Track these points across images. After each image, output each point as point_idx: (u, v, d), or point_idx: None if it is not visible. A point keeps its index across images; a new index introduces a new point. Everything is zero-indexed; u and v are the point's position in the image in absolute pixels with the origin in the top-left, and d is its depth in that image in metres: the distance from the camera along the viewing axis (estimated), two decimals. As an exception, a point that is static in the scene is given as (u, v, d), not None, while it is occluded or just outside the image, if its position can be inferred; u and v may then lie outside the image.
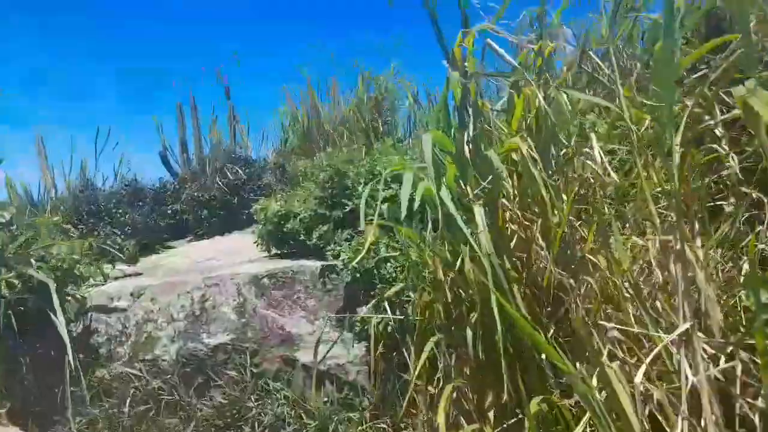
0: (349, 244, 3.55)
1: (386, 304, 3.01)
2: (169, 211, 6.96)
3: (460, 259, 2.00)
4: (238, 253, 5.02)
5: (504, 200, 2.10)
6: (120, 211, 6.32)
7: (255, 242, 4.47)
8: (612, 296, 1.78)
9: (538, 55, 2.37)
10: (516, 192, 2.10)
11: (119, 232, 6.08)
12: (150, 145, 10.35)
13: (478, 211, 1.86)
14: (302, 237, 3.94)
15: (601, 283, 1.78)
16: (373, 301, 3.18)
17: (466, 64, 2.47)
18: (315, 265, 3.68)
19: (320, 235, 3.72)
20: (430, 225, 2.57)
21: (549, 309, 1.96)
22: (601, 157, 1.88)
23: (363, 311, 3.24)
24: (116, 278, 4.63)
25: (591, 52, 2.44)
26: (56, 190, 8.01)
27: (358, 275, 3.30)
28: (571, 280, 1.86)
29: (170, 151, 8.79)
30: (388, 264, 3.18)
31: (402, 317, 2.89)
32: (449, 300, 2.12)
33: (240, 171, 7.13)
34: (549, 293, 1.94)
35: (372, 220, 3.64)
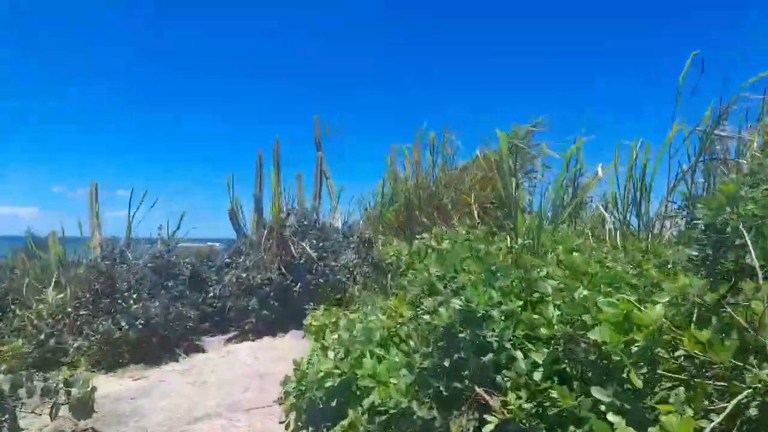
0: None
1: None
2: (210, 295, 5.04)
3: None
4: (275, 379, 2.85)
5: None
6: (135, 295, 4.46)
7: (282, 422, 2.24)
8: None
9: None
10: None
11: (125, 325, 4.19)
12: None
13: None
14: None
15: None
16: None
17: None
18: None
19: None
20: None
21: None
22: None
23: None
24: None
25: None
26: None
27: None
28: None
29: (240, 211, 7.09)
30: None
31: None
32: None
33: (306, 247, 5.08)
34: None
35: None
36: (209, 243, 7.83)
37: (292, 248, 5.06)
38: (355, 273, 5.13)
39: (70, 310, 4.48)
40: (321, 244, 5.34)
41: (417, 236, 3.83)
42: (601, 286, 1.57)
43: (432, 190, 6.30)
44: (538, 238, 2.84)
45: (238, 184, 7.32)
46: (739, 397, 1.11)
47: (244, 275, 4.91)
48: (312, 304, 4.90)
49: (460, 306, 1.64)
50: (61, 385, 2.63)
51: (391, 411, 1.62)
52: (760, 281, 1.25)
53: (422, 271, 2.20)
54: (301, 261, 5.01)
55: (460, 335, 1.57)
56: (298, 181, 7.62)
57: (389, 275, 3.83)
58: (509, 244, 2.77)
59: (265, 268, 5.10)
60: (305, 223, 5.57)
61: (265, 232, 5.45)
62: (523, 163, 6.63)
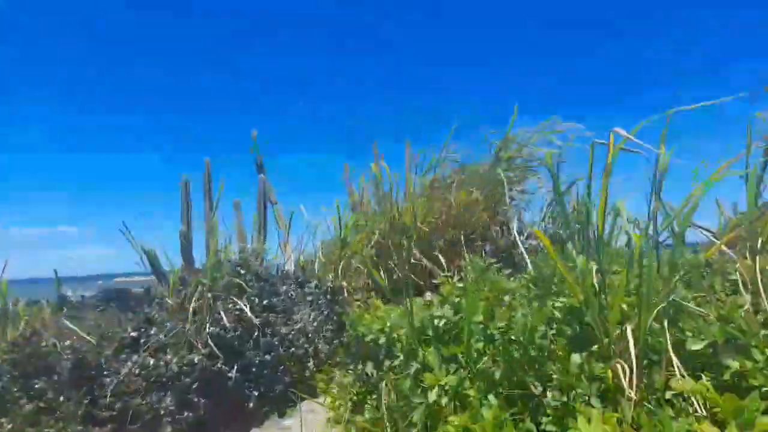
0: None
1: None
2: (106, 395, 3.45)
3: None
4: None
5: None
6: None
7: None
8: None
9: None
10: None
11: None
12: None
13: None
14: None
15: None
16: None
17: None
18: None
19: None
20: None
21: None
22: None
23: None
24: None
25: None
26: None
27: None
28: None
29: (161, 257, 5.48)
30: None
31: None
32: None
33: (245, 308, 3.58)
34: None
35: None
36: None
37: (223, 314, 3.54)
38: (316, 342, 3.66)
39: None
40: (266, 301, 3.84)
41: (412, 292, 2.41)
42: None
43: (406, 219, 4.92)
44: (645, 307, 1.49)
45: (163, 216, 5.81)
46: None
47: (152, 361, 3.35)
48: (257, 392, 3.40)
49: None
50: None
51: None
52: None
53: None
54: (237, 332, 3.49)
55: None
56: (237, 212, 6.09)
57: (370, 361, 2.38)
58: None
59: (189, 345, 3.55)
60: (242, 272, 4.06)
61: (188, 291, 3.91)
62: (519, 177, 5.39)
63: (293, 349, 3.53)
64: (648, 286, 1.70)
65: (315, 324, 3.72)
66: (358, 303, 4.10)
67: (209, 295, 3.80)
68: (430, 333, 1.98)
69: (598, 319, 1.81)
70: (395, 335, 2.11)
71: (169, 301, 3.89)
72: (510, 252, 5.15)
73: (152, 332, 3.79)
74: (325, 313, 3.96)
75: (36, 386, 3.25)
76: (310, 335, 3.67)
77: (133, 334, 3.80)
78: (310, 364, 3.53)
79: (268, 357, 3.45)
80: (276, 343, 3.53)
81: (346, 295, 4.22)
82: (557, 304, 2.10)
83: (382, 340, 2.14)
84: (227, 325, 3.49)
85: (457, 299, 2.29)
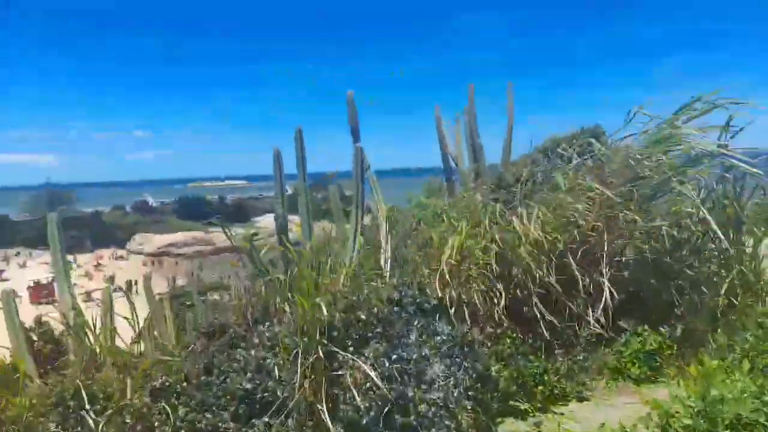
0: None
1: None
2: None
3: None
4: None
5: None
6: None
7: None
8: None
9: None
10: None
11: None
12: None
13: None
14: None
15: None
16: None
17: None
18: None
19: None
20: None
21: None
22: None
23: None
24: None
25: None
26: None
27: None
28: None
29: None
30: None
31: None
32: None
33: (368, 370, 3.00)
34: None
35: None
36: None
37: (355, 392, 2.99)
38: (458, 416, 3.11)
39: None
40: (394, 354, 3.25)
41: None
42: None
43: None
44: None
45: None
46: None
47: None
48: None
49: None
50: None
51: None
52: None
53: None
54: (371, 412, 2.96)
55: None
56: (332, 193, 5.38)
57: None
58: None
59: (308, 409, 3.08)
60: (361, 315, 3.42)
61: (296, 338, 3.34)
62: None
63: (433, 430, 3.00)
64: None
65: (456, 392, 3.15)
66: (491, 348, 3.49)
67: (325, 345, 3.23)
68: None
69: None
70: None
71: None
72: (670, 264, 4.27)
73: (269, 384, 3.34)
74: (461, 366, 3.37)
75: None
76: (450, 406, 3.12)
77: (248, 386, 3.36)
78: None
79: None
80: (415, 423, 3.00)
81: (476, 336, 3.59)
82: None
83: None
84: (360, 405, 2.96)
85: None
